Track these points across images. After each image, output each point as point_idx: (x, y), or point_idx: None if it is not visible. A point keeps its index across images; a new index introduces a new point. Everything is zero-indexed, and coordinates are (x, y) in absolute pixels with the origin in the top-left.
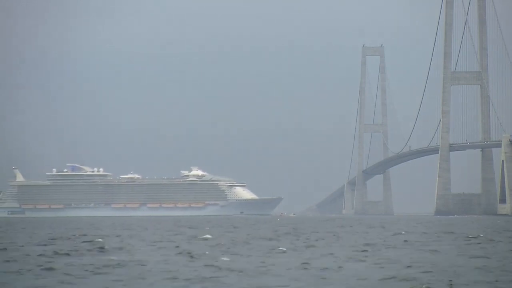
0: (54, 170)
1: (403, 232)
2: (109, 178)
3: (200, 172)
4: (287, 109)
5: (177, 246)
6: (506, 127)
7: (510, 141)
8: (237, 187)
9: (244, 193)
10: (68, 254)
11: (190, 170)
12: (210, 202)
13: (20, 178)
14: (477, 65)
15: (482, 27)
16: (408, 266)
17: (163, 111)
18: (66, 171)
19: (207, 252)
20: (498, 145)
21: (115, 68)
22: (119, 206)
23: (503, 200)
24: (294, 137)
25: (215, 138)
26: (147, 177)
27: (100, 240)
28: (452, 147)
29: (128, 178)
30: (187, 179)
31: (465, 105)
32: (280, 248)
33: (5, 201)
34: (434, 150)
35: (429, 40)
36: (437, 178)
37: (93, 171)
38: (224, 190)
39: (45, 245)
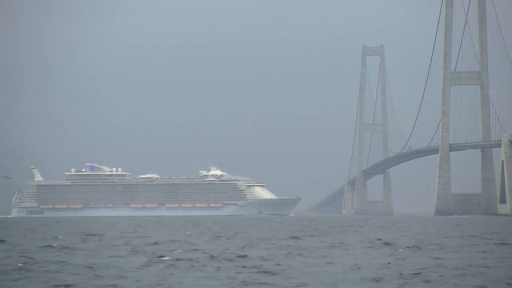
0: (73, 170)
1: None
2: (127, 178)
3: (218, 172)
4: (287, 109)
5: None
6: (506, 127)
7: (510, 141)
8: (256, 187)
9: (263, 193)
10: None
11: (209, 170)
12: (228, 202)
13: (38, 178)
14: (477, 65)
15: (482, 27)
16: None
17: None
18: (85, 171)
19: None
20: (498, 145)
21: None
22: (138, 206)
23: (503, 200)
24: (295, 137)
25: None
26: (165, 177)
27: None
28: (452, 147)
29: (147, 178)
30: (206, 179)
31: (465, 105)
32: None
33: (24, 201)
34: (434, 150)
35: (429, 40)
36: (437, 178)
37: (111, 171)
38: (243, 190)
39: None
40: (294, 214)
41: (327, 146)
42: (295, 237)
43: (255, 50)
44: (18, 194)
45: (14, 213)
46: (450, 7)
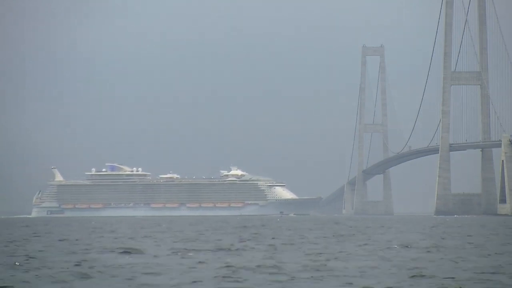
0: (93, 169)
1: None
2: (148, 178)
3: (239, 172)
4: (286, 109)
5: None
6: (506, 127)
7: (510, 141)
8: (277, 187)
9: (283, 193)
10: None
11: (230, 170)
12: (249, 202)
13: (59, 177)
14: (477, 65)
15: (482, 27)
16: None
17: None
18: (105, 171)
19: None
20: (498, 145)
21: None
22: (159, 206)
23: (503, 200)
24: (295, 137)
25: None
26: (186, 177)
27: None
28: (452, 147)
29: (167, 178)
30: (227, 179)
31: (465, 105)
32: None
33: (45, 201)
34: (434, 150)
35: (429, 40)
36: (437, 178)
37: (132, 171)
38: (263, 190)
39: None
40: (294, 214)
41: (327, 146)
42: None
43: (253, 50)
44: (39, 194)
45: (34, 213)
46: (450, 7)
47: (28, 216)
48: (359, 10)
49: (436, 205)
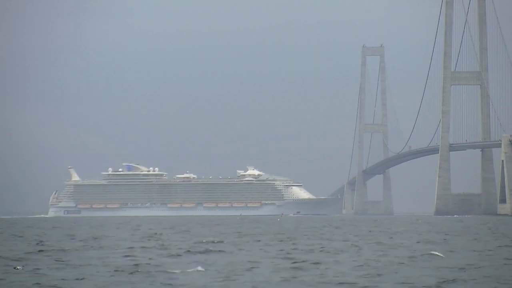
0: (110, 169)
1: None
2: (164, 177)
3: (256, 172)
4: (287, 109)
5: None
6: (506, 127)
7: (510, 141)
8: (294, 187)
9: (300, 193)
10: None
11: (246, 170)
12: (266, 202)
13: (75, 177)
14: (477, 65)
15: (482, 27)
16: None
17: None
18: (122, 171)
19: None
20: (498, 145)
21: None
22: (175, 206)
23: (503, 200)
24: (296, 137)
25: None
26: (203, 177)
27: None
28: (452, 147)
29: (184, 177)
30: (244, 179)
31: (465, 105)
32: None
33: (61, 201)
34: (434, 150)
35: (429, 40)
36: (437, 178)
37: (148, 171)
38: (280, 190)
39: None
40: (293, 214)
41: (327, 146)
42: None
43: (253, 50)
44: (55, 193)
45: (51, 213)
46: (450, 7)
47: (45, 216)
48: (359, 10)
49: (436, 205)
